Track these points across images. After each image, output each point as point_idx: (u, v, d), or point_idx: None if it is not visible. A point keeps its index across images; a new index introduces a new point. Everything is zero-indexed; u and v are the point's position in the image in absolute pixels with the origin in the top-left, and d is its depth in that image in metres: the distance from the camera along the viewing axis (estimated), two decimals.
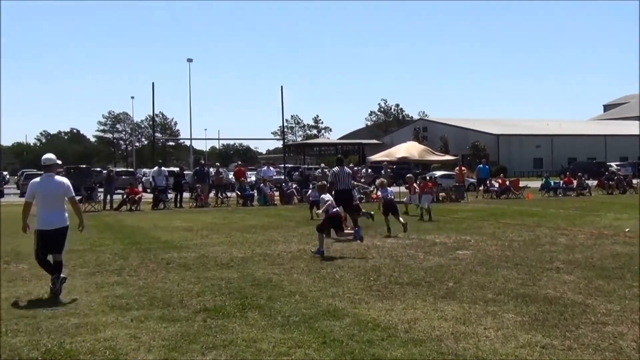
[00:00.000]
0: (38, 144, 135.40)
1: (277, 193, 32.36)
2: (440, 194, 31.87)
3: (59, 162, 9.97)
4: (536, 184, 40.45)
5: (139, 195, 28.70)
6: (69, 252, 13.25)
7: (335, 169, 16.62)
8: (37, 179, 9.49)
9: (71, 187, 9.54)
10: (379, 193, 18.64)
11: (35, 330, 7.02)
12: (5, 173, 60.83)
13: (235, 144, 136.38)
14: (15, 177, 61.92)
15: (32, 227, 9.31)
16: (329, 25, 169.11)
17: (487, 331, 6.82)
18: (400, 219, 16.81)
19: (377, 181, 20.96)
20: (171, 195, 29.80)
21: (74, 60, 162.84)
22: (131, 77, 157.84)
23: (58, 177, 9.51)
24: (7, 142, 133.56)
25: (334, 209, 13.44)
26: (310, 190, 20.98)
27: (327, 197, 13.55)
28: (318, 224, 13.37)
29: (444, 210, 24.33)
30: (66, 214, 9.43)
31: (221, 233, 17.02)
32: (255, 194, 31.56)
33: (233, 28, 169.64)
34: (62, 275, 9.10)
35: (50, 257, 9.28)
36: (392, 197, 17.74)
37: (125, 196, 28.55)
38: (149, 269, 11.09)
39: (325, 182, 15.35)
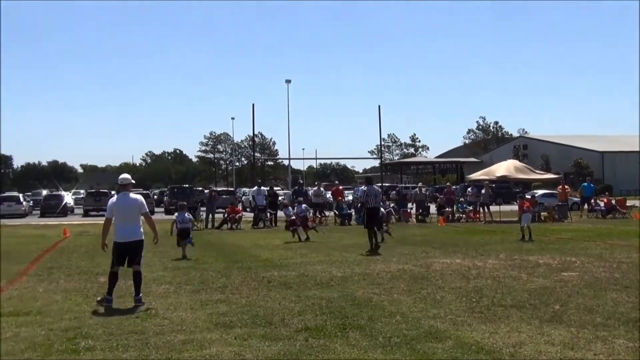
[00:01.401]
0: (144, 164, 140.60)
1: None
2: (542, 213, 31.05)
3: (133, 181, 10.67)
4: None
5: (240, 214, 29.28)
6: (174, 269, 13.79)
7: (365, 188, 18.06)
8: (114, 197, 10.39)
9: (145, 204, 10.32)
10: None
11: (144, 346, 7.25)
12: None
13: (332, 163, 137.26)
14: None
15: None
16: (426, 44, 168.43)
17: (597, 357, 6.57)
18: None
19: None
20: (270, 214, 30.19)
21: (177, 84, 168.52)
22: (232, 98, 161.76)
23: (133, 195, 10.27)
24: (116, 162, 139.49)
25: None
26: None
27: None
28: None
29: (546, 230, 23.66)
30: (141, 229, 10.15)
31: (320, 252, 17.12)
32: (353, 213, 31.61)
33: (331, 48, 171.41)
34: (140, 295, 9.79)
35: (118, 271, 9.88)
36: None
37: (226, 215, 29.18)
38: (250, 287, 11.27)
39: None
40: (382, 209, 19.44)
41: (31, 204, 51.44)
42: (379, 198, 17.78)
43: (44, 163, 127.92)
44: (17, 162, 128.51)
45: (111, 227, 10.18)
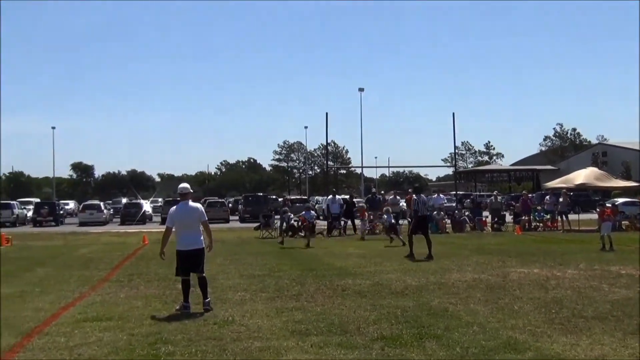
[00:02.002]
0: (218, 173, 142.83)
1: (448, 221, 31.99)
2: (623, 222, 30.11)
3: (192, 190, 10.85)
4: None
5: (313, 222, 29.36)
6: (250, 277, 13.97)
7: (415, 197, 18.99)
8: (174, 207, 10.68)
9: (204, 212, 10.61)
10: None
11: (222, 352, 7.36)
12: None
13: (405, 171, 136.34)
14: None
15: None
16: (501, 48, 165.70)
17: None
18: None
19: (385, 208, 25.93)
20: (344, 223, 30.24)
21: (251, 93, 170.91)
22: (305, 107, 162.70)
23: (192, 203, 10.60)
24: (192, 171, 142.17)
25: None
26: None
27: None
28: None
29: (628, 239, 22.90)
30: (201, 237, 10.43)
31: (394, 261, 17.04)
32: None
33: (403, 57, 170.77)
34: (207, 299, 10.13)
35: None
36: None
37: (300, 223, 29.34)
38: (325, 295, 11.31)
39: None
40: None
41: (112, 212, 53.04)
42: (427, 206, 18.48)
43: (124, 172, 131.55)
44: (98, 172, 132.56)
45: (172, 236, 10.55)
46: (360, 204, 27.95)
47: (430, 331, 8.20)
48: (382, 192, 34.33)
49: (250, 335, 8.20)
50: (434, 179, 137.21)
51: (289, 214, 26.29)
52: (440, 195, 38.32)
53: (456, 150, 48.13)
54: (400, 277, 13.63)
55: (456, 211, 32.62)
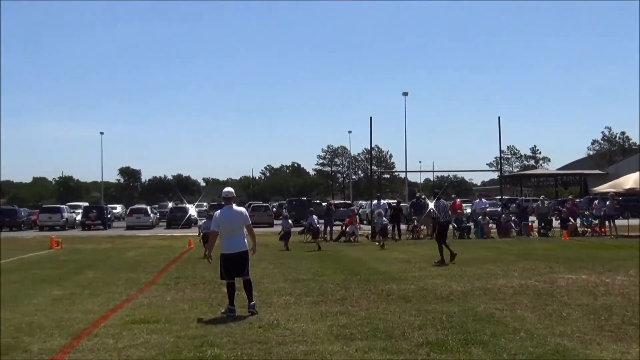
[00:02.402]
0: (263, 178, 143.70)
1: (493, 225, 31.67)
2: None
3: (236, 194, 10.99)
4: None
5: (357, 226, 29.40)
6: (294, 281, 14.02)
7: (437, 202, 19.26)
8: (219, 210, 10.76)
9: (248, 216, 10.78)
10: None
11: (267, 355, 7.40)
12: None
13: (449, 175, 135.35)
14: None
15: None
16: (547, 50, 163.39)
17: None
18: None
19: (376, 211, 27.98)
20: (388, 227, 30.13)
21: (295, 98, 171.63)
22: (349, 112, 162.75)
23: (236, 207, 10.72)
24: (236, 175, 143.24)
25: None
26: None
27: None
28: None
29: None
30: (245, 240, 10.54)
31: (438, 266, 16.91)
32: (472, 227, 31.09)
33: (448, 59, 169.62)
34: (252, 302, 10.21)
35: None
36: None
37: (343, 227, 29.38)
38: (370, 300, 11.28)
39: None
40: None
41: (158, 216, 53.75)
42: (447, 212, 18.97)
43: (170, 177, 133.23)
44: (145, 176, 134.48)
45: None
46: (379, 210, 28.17)
47: (476, 337, 8.12)
48: (423, 196, 34.08)
49: (295, 339, 8.23)
50: (479, 184, 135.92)
51: (313, 216, 27.12)
52: (483, 199, 37.96)
53: (502, 155, 47.46)
54: (445, 282, 13.53)
55: (503, 216, 32.24)
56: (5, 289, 13.37)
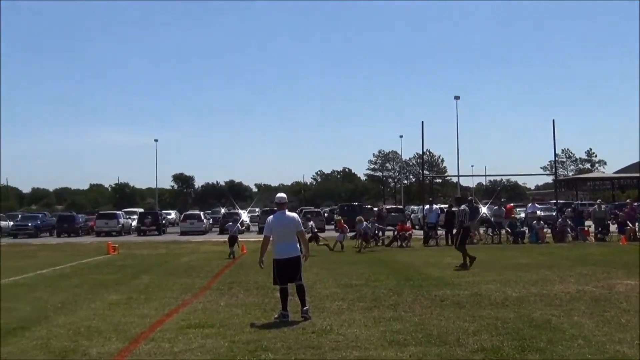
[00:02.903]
0: (314, 183, 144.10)
1: (548, 230, 31.14)
2: None
3: (287, 200, 11.06)
4: None
5: (409, 231, 29.25)
6: (346, 286, 14.02)
7: (463, 207, 19.17)
8: (272, 216, 10.77)
9: (301, 222, 10.83)
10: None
11: None
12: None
13: (502, 179, 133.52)
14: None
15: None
16: (603, 53, 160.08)
17: None
18: None
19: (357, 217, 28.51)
20: (441, 232, 29.91)
21: (346, 103, 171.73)
22: (400, 116, 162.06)
23: (289, 213, 10.77)
24: (288, 181, 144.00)
25: None
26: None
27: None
28: None
29: None
30: (297, 245, 10.58)
31: (493, 271, 16.70)
32: (527, 231, 30.63)
33: (500, 63, 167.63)
34: (305, 307, 10.25)
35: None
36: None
37: (395, 233, 29.26)
38: (423, 306, 11.21)
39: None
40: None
41: (211, 222, 54.35)
42: (467, 217, 18.82)
43: (222, 183, 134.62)
44: (198, 182, 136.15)
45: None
46: (359, 217, 28.76)
47: (532, 344, 7.99)
48: (475, 200, 33.76)
49: (348, 344, 8.22)
50: (533, 188, 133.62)
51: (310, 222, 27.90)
52: (536, 204, 37.33)
53: (556, 158, 46.69)
54: (499, 287, 13.35)
55: (558, 220, 31.66)
56: (65, 293, 13.72)
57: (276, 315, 10.26)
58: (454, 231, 20.35)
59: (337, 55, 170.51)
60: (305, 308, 10.24)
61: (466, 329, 9.02)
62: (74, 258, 24.18)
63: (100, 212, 57.52)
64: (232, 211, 54.91)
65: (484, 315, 10.13)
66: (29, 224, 48.97)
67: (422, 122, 33.95)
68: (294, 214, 11.00)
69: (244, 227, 30.51)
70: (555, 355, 7.41)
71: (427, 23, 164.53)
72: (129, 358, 7.79)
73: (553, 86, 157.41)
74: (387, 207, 51.99)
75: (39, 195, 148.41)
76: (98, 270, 19.08)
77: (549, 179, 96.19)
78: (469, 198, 36.38)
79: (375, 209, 41.45)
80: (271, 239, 10.67)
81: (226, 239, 24.92)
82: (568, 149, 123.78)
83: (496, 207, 32.73)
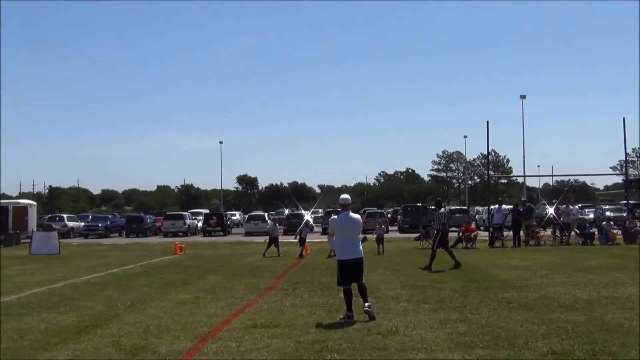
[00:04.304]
0: (377, 184, 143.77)
1: (619, 231, 30.32)
2: None
3: (351, 202, 11.12)
4: None
5: (475, 233, 28.89)
6: (411, 287, 13.95)
7: (442, 210, 19.26)
8: (336, 216, 10.94)
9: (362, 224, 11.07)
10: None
11: None
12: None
13: (570, 180, 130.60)
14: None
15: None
16: None
17: None
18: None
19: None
20: (507, 233, 29.42)
21: (408, 104, 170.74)
22: (464, 116, 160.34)
23: (353, 215, 10.81)
24: (351, 182, 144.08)
25: None
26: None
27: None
28: None
29: None
30: (360, 246, 10.71)
31: (561, 273, 16.36)
32: (596, 233, 29.87)
33: (566, 61, 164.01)
34: (367, 304, 10.24)
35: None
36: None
37: (460, 234, 28.93)
38: (490, 308, 11.05)
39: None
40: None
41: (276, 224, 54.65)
42: (446, 220, 18.93)
43: (285, 184, 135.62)
44: (262, 184, 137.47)
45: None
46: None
47: (604, 348, 7.79)
48: (543, 202, 33.17)
49: (414, 346, 8.16)
50: (602, 188, 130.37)
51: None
52: (602, 205, 36.39)
53: (627, 157, 45.32)
54: (569, 290, 13.06)
55: (627, 222, 30.78)
56: (135, 292, 14.02)
57: (341, 316, 10.26)
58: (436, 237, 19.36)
59: (401, 56, 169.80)
60: (367, 304, 10.22)
61: (535, 332, 8.85)
62: (142, 258, 24.73)
63: (167, 213, 58.62)
64: (295, 212, 55.17)
65: (553, 318, 9.93)
66: (99, 225, 50.28)
67: (487, 122, 33.59)
68: (357, 216, 11.03)
69: (309, 228, 30.86)
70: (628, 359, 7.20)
71: (492, 21, 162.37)
72: (197, 356, 7.91)
73: (623, 83, 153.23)
74: (451, 207, 51.49)
75: (108, 197, 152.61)
76: (166, 270, 19.45)
77: (619, 179, 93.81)
78: (523, 199, 35.65)
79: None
80: (334, 239, 10.79)
81: (291, 239, 25.22)
82: (639, 148, 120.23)
83: (563, 206, 32.01)
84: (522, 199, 35.40)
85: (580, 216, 32.10)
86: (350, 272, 10.41)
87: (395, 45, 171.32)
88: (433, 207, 57.07)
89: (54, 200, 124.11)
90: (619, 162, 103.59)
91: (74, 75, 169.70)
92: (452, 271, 17.31)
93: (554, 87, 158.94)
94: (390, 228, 47.45)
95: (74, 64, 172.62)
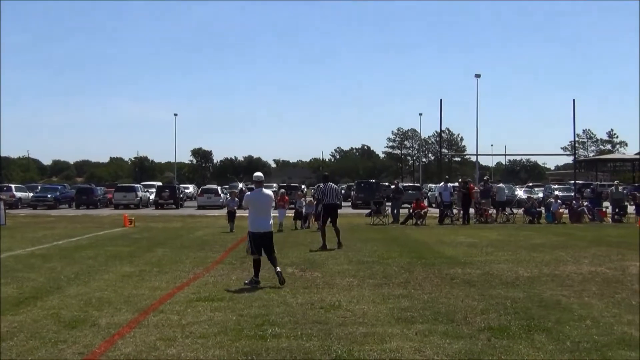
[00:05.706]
0: (333, 160, 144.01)
1: (566, 211, 30.96)
2: None
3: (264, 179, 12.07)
4: None
5: (425, 209, 29.19)
6: (358, 263, 14.03)
7: (321, 185, 18.74)
8: (250, 192, 12.02)
9: (273, 199, 12.14)
10: None
11: (327, 336, 7.43)
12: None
13: (522, 159, 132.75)
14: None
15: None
16: (623, 32, 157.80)
17: None
18: None
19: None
20: (456, 211, 29.80)
21: (365, 81, 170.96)
22: (419, 94, 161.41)
23: (265, 190, 11.78)
24: (306, 157, 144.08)
25: None
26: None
27: None
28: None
29: None
30: (271, 221, 11.61)
31: (506, 250, 16.65)
32: (543, 211, 30.45)
33: (521, 41, 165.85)
34: (278, 268, 11.23)
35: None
36: None
37: (411, 210, 29.21)
38: (433, 284, 11.20)
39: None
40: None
41: (229, 197, 54.46)
42: (333, 195, 18.15)
43: (240, 158, 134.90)
44: (217, 157, 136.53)
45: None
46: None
47: (540, 324, 7.97)
48: (491, 180, 33.58)
49: (355, 320, 8.24)
50: (553, 168, 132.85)
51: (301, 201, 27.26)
52: (554, 185, 37.01)
53: (576, 139, 46.22)
54: (511, 267, 13.31)
55: (574, 201, 31.45)
56: (80, 265, 13.85)
57: (247, 281, 11.15)
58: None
59: (357, 32, 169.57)
60: (278, 269, 11.15)
61: (474, 308, 9.01)
62: (90, 230, 24.42)
63: (119, 184, 57.83)
64: (250, 186, 54.89)
65: (493, 294, 10.11)
66: (48, 196, 49.36)
67: (441, 100, 33.93)
68: (270, 192, 11.94)
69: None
70: (561, 335, 7.38)
71: (448, 0, 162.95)
72: (137, 329, 7.85)
73: (575, 65, 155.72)
74: (404, 184, 51.90)
75: (59, 168, 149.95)
76: (113, 243, 19.23)
77: (569, 160, 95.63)
78: (485, 178, 36.09)
79: (392, 186, 41.26)
80: (248, 213, 11.66)
81: (244, 214, 25.01)
82: (589, 130, 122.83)
83: (511, 186, 32.52)
84: (485, 177, 35.76)
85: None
86: (259, 243, 11.37)
87: (352, 21, 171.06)
88: (388, 184, 57.55)
89: (3, 170, 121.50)
90: (569, 143, 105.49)
91: (27, 40, 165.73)
92: (400, 247, 17.46)
93: (509, 67, 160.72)
94: (344, 204, 47.62)
95: (30, 28, 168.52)
